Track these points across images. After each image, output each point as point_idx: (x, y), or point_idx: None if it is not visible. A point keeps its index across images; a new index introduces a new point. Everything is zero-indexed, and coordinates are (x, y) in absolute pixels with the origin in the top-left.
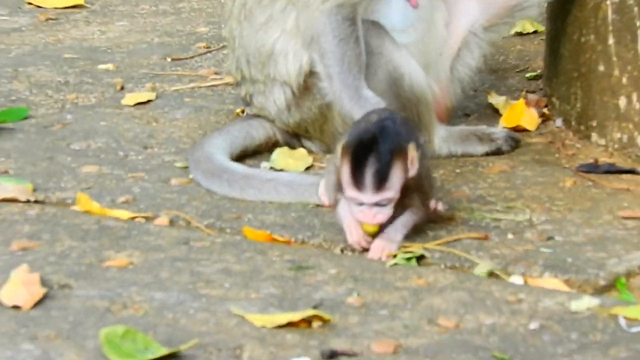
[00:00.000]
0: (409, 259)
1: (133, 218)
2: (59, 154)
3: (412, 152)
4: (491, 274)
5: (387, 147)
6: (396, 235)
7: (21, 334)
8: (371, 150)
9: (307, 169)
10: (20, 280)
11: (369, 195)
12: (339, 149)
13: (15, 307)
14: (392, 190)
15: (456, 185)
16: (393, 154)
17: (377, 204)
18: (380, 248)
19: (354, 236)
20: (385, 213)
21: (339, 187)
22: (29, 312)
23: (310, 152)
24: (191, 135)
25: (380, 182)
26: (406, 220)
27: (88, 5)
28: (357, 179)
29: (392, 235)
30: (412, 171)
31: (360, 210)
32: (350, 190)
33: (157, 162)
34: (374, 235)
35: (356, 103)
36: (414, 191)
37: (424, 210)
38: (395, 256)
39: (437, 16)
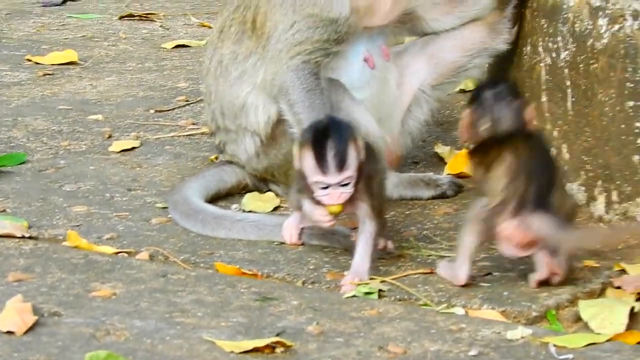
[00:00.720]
0: (368, 292)
1: (117, 253)
2: (52, 195)
3: (361, 142)
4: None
5: (341, 132)
6: (363, 266)
7: (14, 357)
8: (327, 137)
9: (274, 210)
10: (14, 309)
11: (333, 177)
12: (296, 149)
13: (10, 333)
14: (351, 169)
15: (405, 226)
16: (347, 137)
17: (340, 184)
18: (352, 281)
19: (325, 219)
20: (347, 192)
21: (302, 189)
22: (22, 338)
23: (277, 194)
24: (171, 179)
25: (341, 162)
26: (364, 249)
27: (81, 62)
28: (321, 164)
29: (359, 267)
30: (361, 156)
31: (326, 193)
32: (315, 176)
33: (139, 203)
34: (338, 215)
35: None
36: (365, 193)
37: (377, 222)
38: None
39: (390, 76)
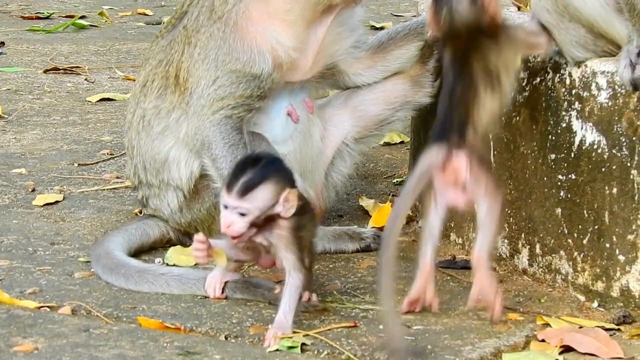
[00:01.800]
0: (291, 347)
1: (39, 307)
2: None
3: (291, 195)
4: None
5: (267, 168)
6: (287, 319)
7: None
8: (252, 165)
9: (197, 264)
10: None
11: (232, 199)
12: None
13: None
14: (254, 204)
15: (329, 279)
16: (269, 176)
17: (237, 211)
18: (274, 334)
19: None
20: (239, 225)
21: None
22: None
23: None
24: (94, 233)
25: (246, 190)
26: (288, 303)
27: (5, 116)
28: (230, 182)
29: (283, 320)
30: (285, 212)
31: (224, 214)
32: (223, 191)
33: (62, 257)
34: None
35: None
36: (293, 244)
37: (303, 275)
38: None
39: (314, 130)
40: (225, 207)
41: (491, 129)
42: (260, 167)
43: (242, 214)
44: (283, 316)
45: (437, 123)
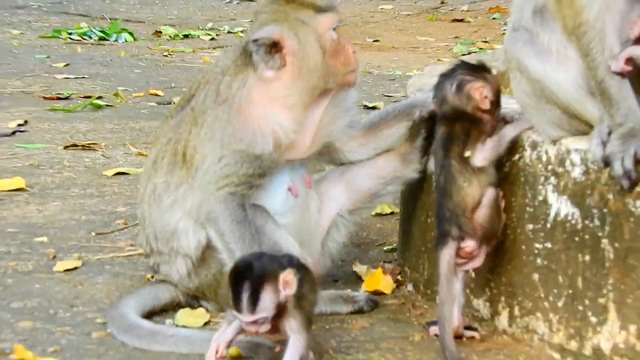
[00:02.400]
0: None
1: None
2: (0, 312)
3: (288, 277)
4: None
5: (258, 273)
6: None
7: None
8: (246, 278)
9: (205, 324)
10: None
11: (247, 316)
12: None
13: None
14: (265, 311)
15: (325, 339)
16: (264, 280)
17: (256, 321)
18: None
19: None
20: (264, 327)
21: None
22: None
23: (207, 310)
24: (110, 297)
25: (253, 305)
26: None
27: (28, 189)
28: (236, 304)
29: None
30: (287, 292)
31: (247, 327)
32: (234, 311)
33: (81, 319)
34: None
35: None
36: (296, 312)
37: (304, 337)
38: None
39: (312, 203)
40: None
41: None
42: (252, 277)
43: (261, 321)
44: None
45: (436, 216)
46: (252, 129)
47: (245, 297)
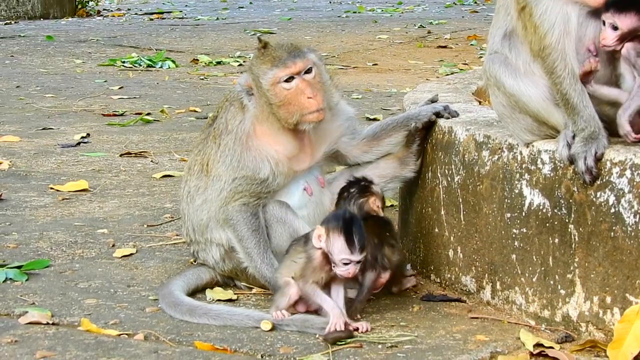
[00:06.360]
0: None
1: (119, 335)
2: (70, 291)
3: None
4: None
5: (360, 222)
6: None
7: None
8: (353, 224)
9: (236, 300)
10: None
11: (358, 255)
12: (319, 233)
13: None
14: (367, 250)
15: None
16: (363, 227)
17: (358, 262)
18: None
19: (339, 320)
20: (359, 267)
21: (324, 265)
22: None
23: (239, 289)
24: (160, 278)
25: (364, 244)
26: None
27: (91, 189)
28: (351, 244)
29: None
30: None
31: (347, 269)
32: (344, 254)
33: (136, 296)
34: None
35: (270, 270)
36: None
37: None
38: None
39: (324, 198)
40: (347, 264)
41: None
42: (356, 224)
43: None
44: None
45: None
46: (254, 157)
47: (357, 239)
